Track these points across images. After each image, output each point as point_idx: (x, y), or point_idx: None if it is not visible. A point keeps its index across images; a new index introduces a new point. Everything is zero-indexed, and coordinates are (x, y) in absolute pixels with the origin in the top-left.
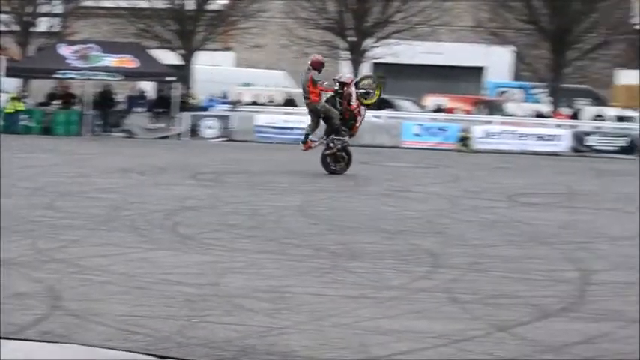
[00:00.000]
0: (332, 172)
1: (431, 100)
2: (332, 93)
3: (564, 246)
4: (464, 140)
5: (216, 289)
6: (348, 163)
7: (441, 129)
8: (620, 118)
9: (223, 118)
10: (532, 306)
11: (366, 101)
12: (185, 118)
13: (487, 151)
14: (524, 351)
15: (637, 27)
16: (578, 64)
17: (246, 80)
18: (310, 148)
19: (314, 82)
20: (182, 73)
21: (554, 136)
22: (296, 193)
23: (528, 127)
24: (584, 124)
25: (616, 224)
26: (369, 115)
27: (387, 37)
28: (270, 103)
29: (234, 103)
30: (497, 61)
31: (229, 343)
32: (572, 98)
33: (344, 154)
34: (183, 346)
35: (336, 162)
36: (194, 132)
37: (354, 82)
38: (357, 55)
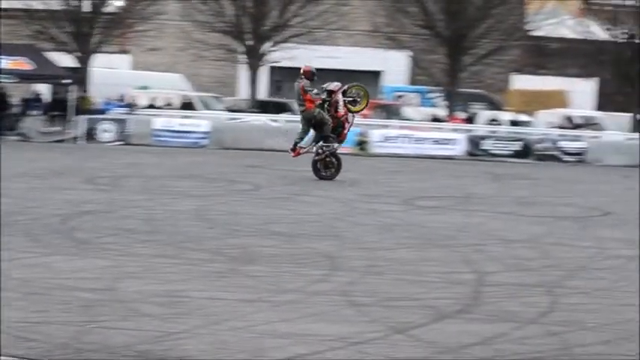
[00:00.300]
0: (322, 178)
1: None
2: (320, 101)
3: (460, 248)
4: (361, 144)
5: (113, 294)
6: (337, 169)
7: None
8: (515, 123)
9: (120, 122)
10: (429, 308)
11: (354, 109)
12: (81, 122)
13: (384, 155)
14: (422, 353)
15: (531, 33)
16: (473, 69)
17: (143, 83)
18: (299, 154)
19: (305, 91)
20: (78, 75)
21: (450, 140)
22: (193, 197)
23: (425, 131)
24: (480, 129)
25: (510, 227)
26: (267, 120)
27: (285, 41)
28: (168, 106)
29: (131, 107)
30: (394, 66)
31: (126, 348)
32: (467, 103)
33: (334, 159)
34: (80, 352)
35: (326, 168)
36: (90, 135)
37: (341, 90)
38: (254, 58)
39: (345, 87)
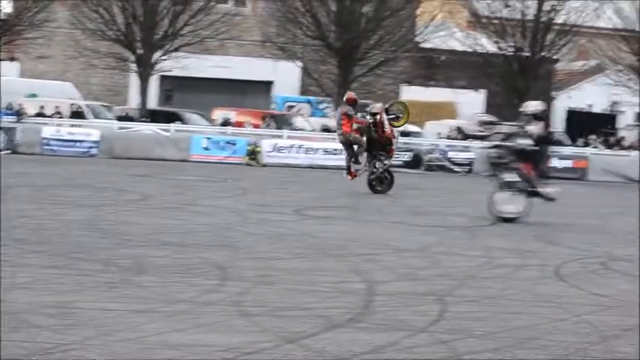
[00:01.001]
0: (377, 192)
1: (219, 114)
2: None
3: (351, 258)
4: (252, 154)
5: (3, 305)
6: (390, 183)
7: (230, 143)
8: (405, 133)
9: (8, 130)
10: (320, 317)
11: (397, 124)
12: None
13: (276, 165)
14: None
15: (421, 45)
16: (364, 80)
17: (32, 91)
18: (356, 176)
19: (348, 116)
20: None
21: (341, 150)
22: (83, 206)
23: (316, 141)
24: None
25: (401, 237)
26: (157, 129)
27: (176, 50)
28: (57, 115)
29: (20, 115)
30: (285, 76)
31: None
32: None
33: (387, 174)
34: None
35: (381, 183)
36: None
37: (383, 110)
38: (145, 67)
39: (387, 105)
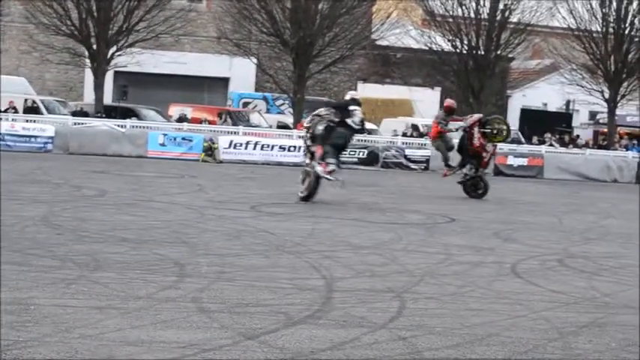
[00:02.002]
0: (473, 197)
1: (175, 110)
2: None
3: (309, 255)
4: (209, 150)
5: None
6: (485, 191)
7: (186, 139)
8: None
9: None
10: (279, 314)
11: (495, 139)
12: None
13: (232, 162)
14: (273, 358)
15: (377, 42)
16: (319, 77)
17: None
18: (446, 175)
19: (438, 123)
20: None
21: (297, 147)
22: (40, 202)
23: (272, 138)
24: None
25: (359, 233)
26: (113, 125)
27: (131, 45)
28: (12, 110)
29: None
30: (241, 73)
31: None
32: (314, 110)
33: (481, 182)
34: None
35: (476, 189)
36: None
37: (476, 124)
38: (99, 63)
39: (485, 118)
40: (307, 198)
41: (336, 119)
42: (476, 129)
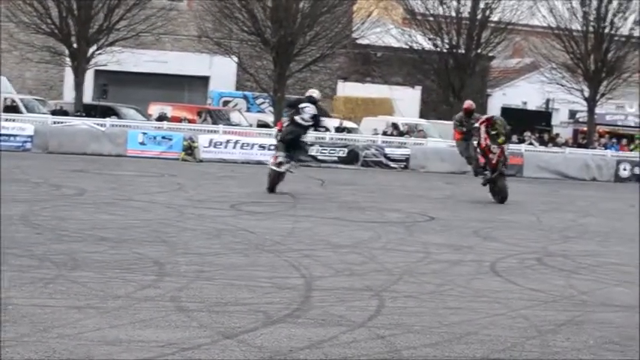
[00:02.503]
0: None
1: (155, 109)
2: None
3: (288, 254)
4: (189, 149)
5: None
6: (500, 195)
7: (166, 138)
8: (341, 129)
9: None
10: (258, 313)
11: (499, 140)
12: None
13: (212, 160)
14: (251, 357)
15: (357, 41)
16: (300, 76)
17: None
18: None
19: (457, 125)
20: None
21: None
22: (19, 201)
23: (252, 136)
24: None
25: (338, 232)
26: (93, 124)
27: (111, 44)
28: None
29: None
30: (221, 71)
31: None
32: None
33: (495, 187)
34: None
35: (494, 193)
36: None
37: (481, 122)
38: (80, 61)
39: (486, 120)
40: (269, 189)
41: (291, 117)
42: (482, 128)
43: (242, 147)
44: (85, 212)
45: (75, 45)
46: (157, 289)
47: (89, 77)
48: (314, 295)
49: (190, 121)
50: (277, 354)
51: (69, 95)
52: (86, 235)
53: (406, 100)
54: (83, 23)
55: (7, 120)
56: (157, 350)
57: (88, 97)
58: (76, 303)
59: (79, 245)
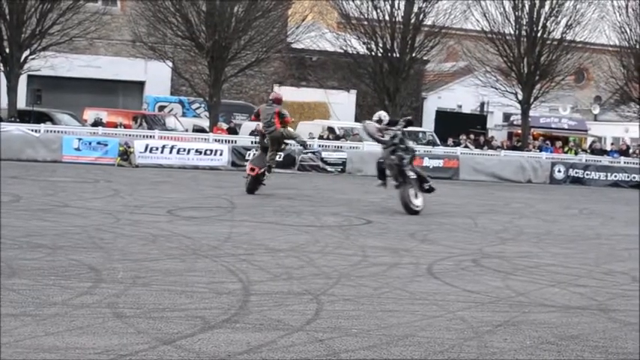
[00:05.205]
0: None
1: (90, 114)
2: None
3: (225, 258)
4: (125, 155)
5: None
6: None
7: (102, 143)
8: None
9: None
10: (196, 318)
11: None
12: None
13: (148, 166)
14: None
15: (292, 45)
16: (235, 80)
17: None
18: None
19: (280, 115)
20: None
21: (214, 150)
22: None
23: (187, 141)
24: (244, 139)
25: (275, 236)
26: (27, 129)
27: (44, 49)
28: None
29: None
30: (156, 76)
31: None
32: (230, 113)
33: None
34: None
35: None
36: None
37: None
38: (12, 67)
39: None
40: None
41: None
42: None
43: (178, 152)
44: (20, 219)
45: (7, 50)
46: (94, 296)
47: (22, 82)
48: (252, 300)
49: (126, 127)
50: (215, 359)
51: (2, 101)
52: (22, 242)
53: (342, 104)
54: (15, 27)
55: None
56: (94, 357)
57: (21, 103)
58: (11, 311)
59: (14, 252)
